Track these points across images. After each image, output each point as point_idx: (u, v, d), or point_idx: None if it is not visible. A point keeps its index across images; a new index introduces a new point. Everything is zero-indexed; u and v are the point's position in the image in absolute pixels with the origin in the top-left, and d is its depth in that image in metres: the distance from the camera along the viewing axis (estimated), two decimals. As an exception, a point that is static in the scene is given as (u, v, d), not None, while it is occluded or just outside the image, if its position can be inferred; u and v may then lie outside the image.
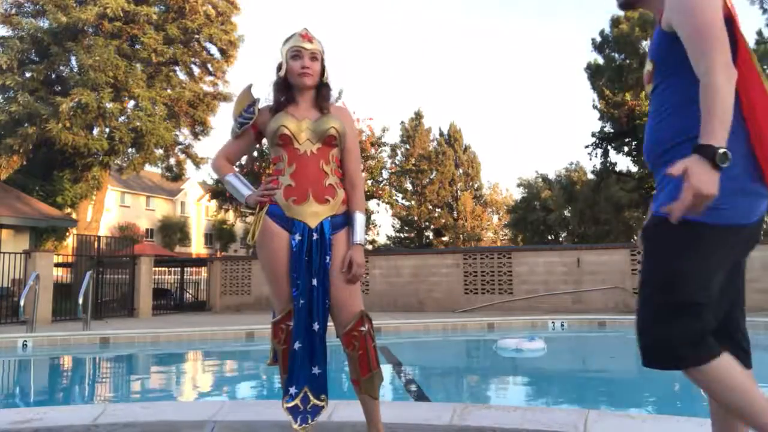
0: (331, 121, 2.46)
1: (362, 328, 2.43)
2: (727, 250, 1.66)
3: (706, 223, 1.58)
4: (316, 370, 2.39)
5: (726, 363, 1.64)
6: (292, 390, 2.37)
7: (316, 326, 2.37)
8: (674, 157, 1.56)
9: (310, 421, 2.38)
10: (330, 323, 2.45)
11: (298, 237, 2.35)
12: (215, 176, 19.98)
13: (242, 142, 2.57)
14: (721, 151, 1.43)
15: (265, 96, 2.60)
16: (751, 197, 1.62)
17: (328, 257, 2.38)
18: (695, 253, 1.62)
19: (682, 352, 1.65)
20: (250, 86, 2.58)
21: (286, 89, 2.49)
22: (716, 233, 1.60)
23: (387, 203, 25.13)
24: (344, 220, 2.46)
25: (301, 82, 2.44)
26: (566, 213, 38.25)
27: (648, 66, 1.80)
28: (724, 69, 1.49)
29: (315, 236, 2.36)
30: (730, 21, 1.60)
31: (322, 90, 2.52)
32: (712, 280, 1.65)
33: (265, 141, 2.59)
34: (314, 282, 2.35)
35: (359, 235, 2.45)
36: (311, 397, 2.39)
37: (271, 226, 2.37)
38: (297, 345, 2.35)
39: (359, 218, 2.47)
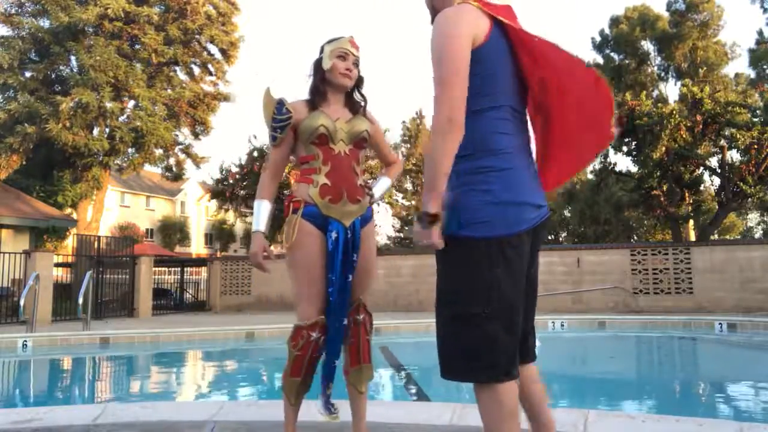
0: (363, 123, 2.51)
1: (358, 317, 2.47)
2: (499, 260, 1.69)
3: (478, 237, 1.68)
4: (335, 363, 2.48)
5: (512, 390, 1.68)
6: (323, 385, 2.48)
7: (345, 321, 2.44)
8: (451, 173, 1.72)
9: (333, 410, 2.49)
10: None
11: (334, 235, 2.38)
12: (215, 176, 19.94)
13: (286, 145, 2.50)
14: (430, 212, 1.64)
15: (288, 93, 2.57)
16: (515, 208, 1.72)
17: (356, 255, 2.43)
18: (467, 266, 1.70)
19: (471, 365, 1.68)
20: (269, 89, 2.54)
21: (323, 86, 2.50)
22: (487, 245, 1.68)
23: (387, 203, 25.12)
24: (370, 214, 2.53)
25: (342, 82, 2.47)
26: (566, 213, 38.21)
27: None
28: (444, 125, 1.63)
29: (349, 234, 2.41)
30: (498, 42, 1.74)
31: (354, 94, 2.56)
32: (492, 290, 1.67)
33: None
34: (349, 279, 2.41)
35: (378, 191, 2.62)
36: (327, 388, 2.51)
37: (308, 227, 2.38)
38: (330, 339, 2.42)
39: (384, 180, 2.72)
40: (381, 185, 2.68)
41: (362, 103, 2.59)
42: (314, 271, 2.37)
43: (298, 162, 2.52)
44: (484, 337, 1.67)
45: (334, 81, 2.48)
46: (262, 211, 2.48)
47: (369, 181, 2.61)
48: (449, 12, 1.72)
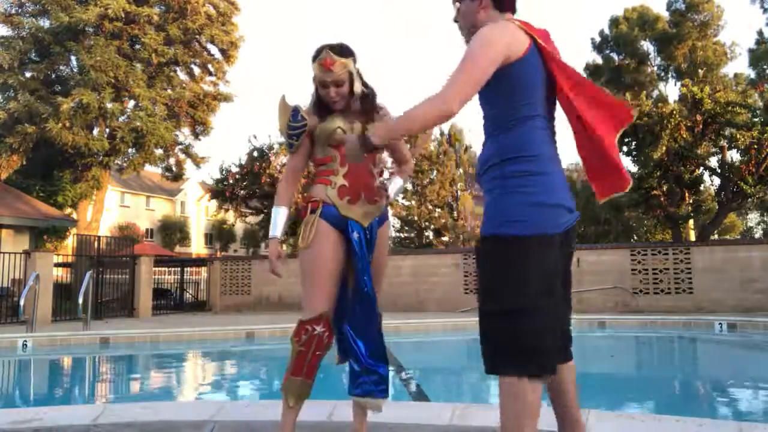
0: None
1: None
2: (531, 258, 1.77)
3: (514, 235, 1.77)
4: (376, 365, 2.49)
5: (537, 390, 1.73)
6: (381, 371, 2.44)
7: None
8: (489, 177, 1.89)
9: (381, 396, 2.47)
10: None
11: (356, 235, 2.39)
12: (215, 176, 19.92)
13: (302, 151, 2.53)
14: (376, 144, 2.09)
15: (301, 101, 2.58)
16: (550, 210, 1.81)
17: (371, 255, 2.46)
18: (501, 263, 1.79)
19: (501, 359, 1.75)
20: (284, 96, 2.56)
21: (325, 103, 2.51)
22: (522, 243, 1.77)
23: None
24: (386, 214, 2.57)
25: (334, 108, 2.48)
26: (566, 213, 38.22)
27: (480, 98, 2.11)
28: (442, 105, 1.76)
29: (368, 235, 2.44)
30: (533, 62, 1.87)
31: (363, 98, 2.53)
32: (523, 287, 1.75)
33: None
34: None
35: (392, 192, 2.59)
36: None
37: (326, 227, 2.40)
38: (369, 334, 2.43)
39: (397, 180, 2.67)
40: (395, 185, 2.70)
41: (371, 99, 2.55)
42: (327, 270, 2.37)
43: (315, 164, 2.54)
44: (515, 333, 1.73)
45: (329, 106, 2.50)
46: (279, 217, 2.51)
47: (384, 182, 2.62)
48: (492, 24, 1.88)
